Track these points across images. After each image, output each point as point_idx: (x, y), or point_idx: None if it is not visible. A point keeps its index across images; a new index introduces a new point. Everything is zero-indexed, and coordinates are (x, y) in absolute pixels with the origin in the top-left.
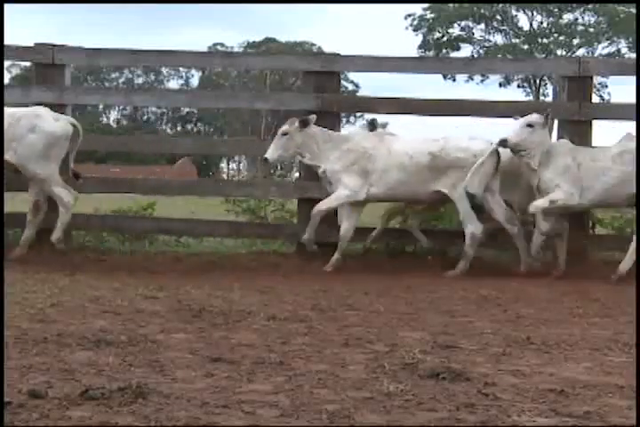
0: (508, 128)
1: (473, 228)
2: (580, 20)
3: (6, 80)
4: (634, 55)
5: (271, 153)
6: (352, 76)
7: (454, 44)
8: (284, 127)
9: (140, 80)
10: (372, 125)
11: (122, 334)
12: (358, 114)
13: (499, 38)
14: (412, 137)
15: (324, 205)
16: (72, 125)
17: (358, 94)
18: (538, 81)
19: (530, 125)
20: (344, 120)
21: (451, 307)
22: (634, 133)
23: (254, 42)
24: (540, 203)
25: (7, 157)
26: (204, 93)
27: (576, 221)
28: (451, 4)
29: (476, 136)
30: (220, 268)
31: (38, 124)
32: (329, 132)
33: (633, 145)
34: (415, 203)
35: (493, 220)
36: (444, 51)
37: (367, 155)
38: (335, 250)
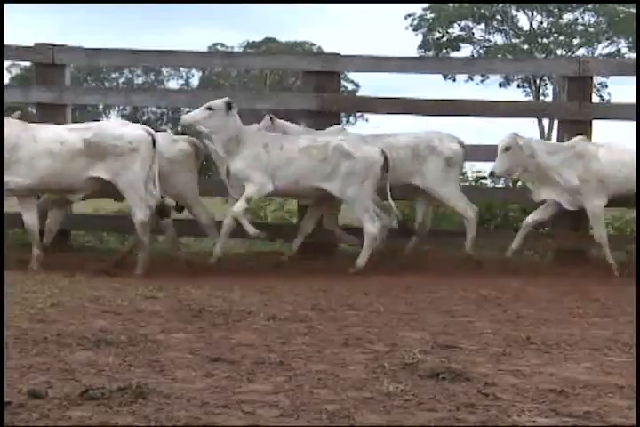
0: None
1: (142, 215)
2: (580, 20)
3: (6, 80)
4: (634, 55)
5: None
6: (352, 76)
7: (454, 44)
8: None
9: (140, 80)
10: None
11: (122, 334)
12: (358, 114)
13: (499, 38)
14: (62, 126)
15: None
16: None
17: (358, 94)
18: (538, 81)
19: (209, 108)
20: (344, 120)
21: (451, 307)
22: (333, 130)
23: (254, 42)
24: (237, 207)
25: None
26: (204, 93)
27: (575, 221)
28: (451, 4)
29: (128, 122)
30: (220, 268)
31: None
32: None
33: (322, 140)
34: (70, 192)
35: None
36: (444, 51)
37: (9, 144)
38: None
